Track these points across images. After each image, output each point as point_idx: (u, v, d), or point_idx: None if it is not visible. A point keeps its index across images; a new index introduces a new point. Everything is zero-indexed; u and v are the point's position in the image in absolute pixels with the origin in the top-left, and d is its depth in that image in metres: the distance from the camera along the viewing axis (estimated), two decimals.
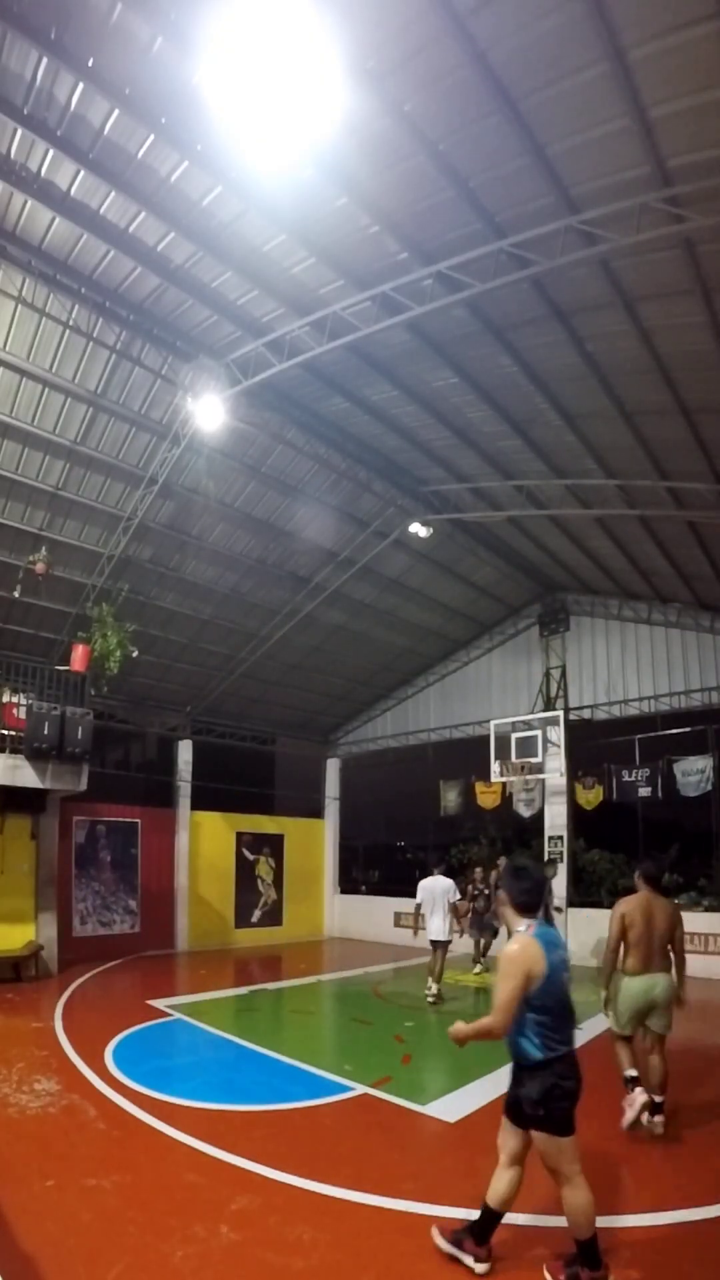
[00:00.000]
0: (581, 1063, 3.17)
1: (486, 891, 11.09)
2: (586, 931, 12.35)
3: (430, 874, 9.44)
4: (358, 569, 12.16)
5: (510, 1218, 3.69)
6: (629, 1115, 4.61)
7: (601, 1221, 3.63)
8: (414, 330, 7.23)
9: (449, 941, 9.26)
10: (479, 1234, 3.23)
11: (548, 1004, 3.02)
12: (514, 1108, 3.18)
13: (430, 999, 8.94)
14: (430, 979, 9.12)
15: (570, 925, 12.75)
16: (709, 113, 4.49)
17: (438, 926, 9.15)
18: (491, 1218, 3.21)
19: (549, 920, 3.17)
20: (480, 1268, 3.17)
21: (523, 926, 3.13)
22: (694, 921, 11.47)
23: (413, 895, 9.48)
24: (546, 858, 13.11)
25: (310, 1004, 9.14)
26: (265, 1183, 4.05)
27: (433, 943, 9.21)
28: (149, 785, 15.61)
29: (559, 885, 13.01)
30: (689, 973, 11.22)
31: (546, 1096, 3.02)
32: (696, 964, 10.99)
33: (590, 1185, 3.13)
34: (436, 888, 9.21)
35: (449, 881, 9.30)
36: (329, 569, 12.21)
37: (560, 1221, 3.65)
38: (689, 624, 12.89)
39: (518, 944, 3.06)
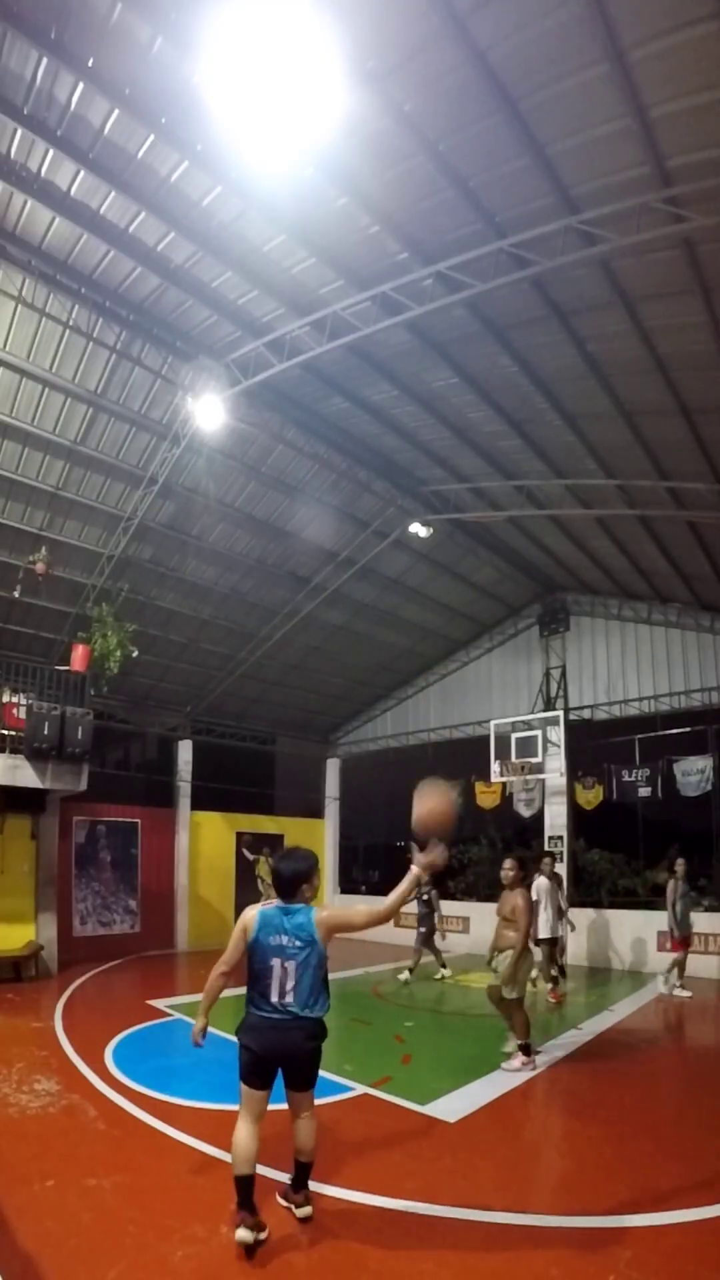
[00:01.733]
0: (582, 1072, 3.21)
1: (424, 896, 10.62)
2: (585, 931, 12.36)
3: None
4: (358, 569, 12.16)
5: (511, 1218, 3.69)
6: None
7: (601, 1221, 3.64)
8: (414, 330, 7.23)
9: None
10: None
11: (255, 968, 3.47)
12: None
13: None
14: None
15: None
16: (709, 113, 4.49)
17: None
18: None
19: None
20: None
21: (274, 902, 3.60)
22: (694, 921, 11.47)
23: (414, 895, 9.43)
24: (545, 851, 13.09)
25: None
26: (265, 1183, 4.04)
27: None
28: (149, 785, 15.60)
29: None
30: (689, 973, 11.28)
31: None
32: (697, 964, 11.00)
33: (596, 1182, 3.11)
34: None
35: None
36: (329, 569, 12.21)
37: (558, 1221, 3.66)
38: (689, 624, 12.90)
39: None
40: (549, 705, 14.10)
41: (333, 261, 6.59)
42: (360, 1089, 5.70)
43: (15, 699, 9.91)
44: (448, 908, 14.75)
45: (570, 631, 14.32)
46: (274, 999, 3.41)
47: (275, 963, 3.41)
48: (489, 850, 14.90)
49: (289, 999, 3.41)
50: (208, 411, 8.15)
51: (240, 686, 14.35)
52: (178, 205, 6.17)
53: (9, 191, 6.18)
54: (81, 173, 5.94)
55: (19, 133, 5.61)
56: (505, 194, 5.56)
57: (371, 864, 18.84)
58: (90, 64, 5.08)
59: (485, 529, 12.24)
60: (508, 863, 6.64)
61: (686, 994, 9.56)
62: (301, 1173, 3.69)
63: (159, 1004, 8.65)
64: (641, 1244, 3.44)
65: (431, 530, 11.19)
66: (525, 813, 14.11)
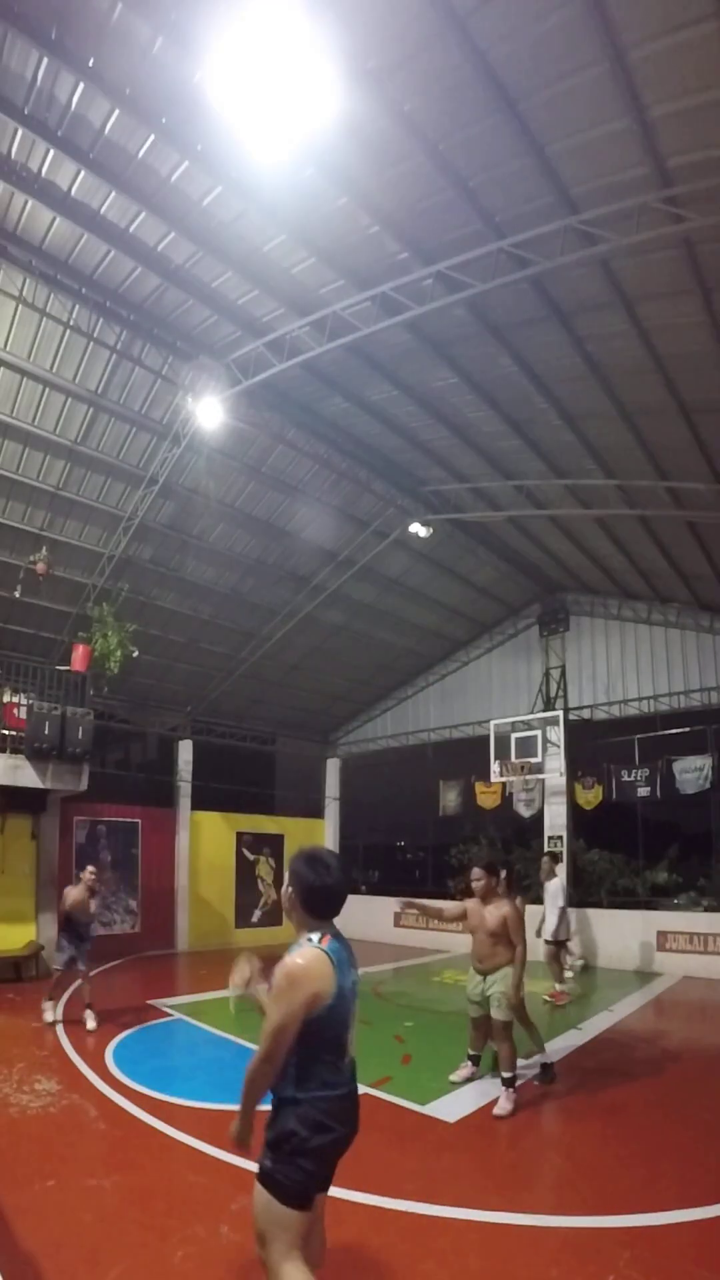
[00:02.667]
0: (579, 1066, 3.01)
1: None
2: (585, 931, 12.37)
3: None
4: (358, 569, 12.16)
5: (511, 1218, 3.69)
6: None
7: (601, 1221, 3.64)
8: (414, 330, 7.23)
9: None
10: None
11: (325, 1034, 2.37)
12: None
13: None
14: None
15: (570, 925, 12.73)
16: (709, 113, 4.49)
17: None
18: None
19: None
20: None
21: (315, 936, 2.44)
22: (694, 921, 11.51)
23: (414, 895, 9.45)
24: (546, 851, 13.09)
25: None
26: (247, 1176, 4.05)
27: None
28: (149, 785, 15.59)
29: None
30: (692, 973, 11.25)
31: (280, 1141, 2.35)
32: (697, 964, 11.02)
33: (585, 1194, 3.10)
34: None
35: None
36: (329, 569, 12.21)
37: (558, 1221, 3.66)
38: (689, 624, 12.90)
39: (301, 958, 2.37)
40: (549, 705, 14.10)
41: (333, 261, 6.59)
42: (360, 1089, 5.67)
43: (16, 699, 9.92)
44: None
45: (570, 631, 14.32)
46: (347, 1059, 2.52)
47: (354, 1010, 2.53)
48: (489, 850, 14.90)
49: (353, 1050, 2.55)
50: (208, 411, 8.15)
51: (240, 686, 14.35)
52: (178, 205, 6.17)
53: (9, 192, 6.18)
54: (82, 173, 5.94)
55: (19, 133, 5.61)
56: (505, 194, 5.56)
57: (372, 864, 18.85)
58: (90, 64, 5.08)
59: (485, 529, 12.24)
60: (475, 871, 5.65)
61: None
62: None
63: (159, 1004, 8.66)
64: (641, 1244, 3.44)
65: (431, 530, 11.19)
66: (525, 813, 14.11)
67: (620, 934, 11.96)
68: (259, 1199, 2.36)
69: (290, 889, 2.52)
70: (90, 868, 8.24)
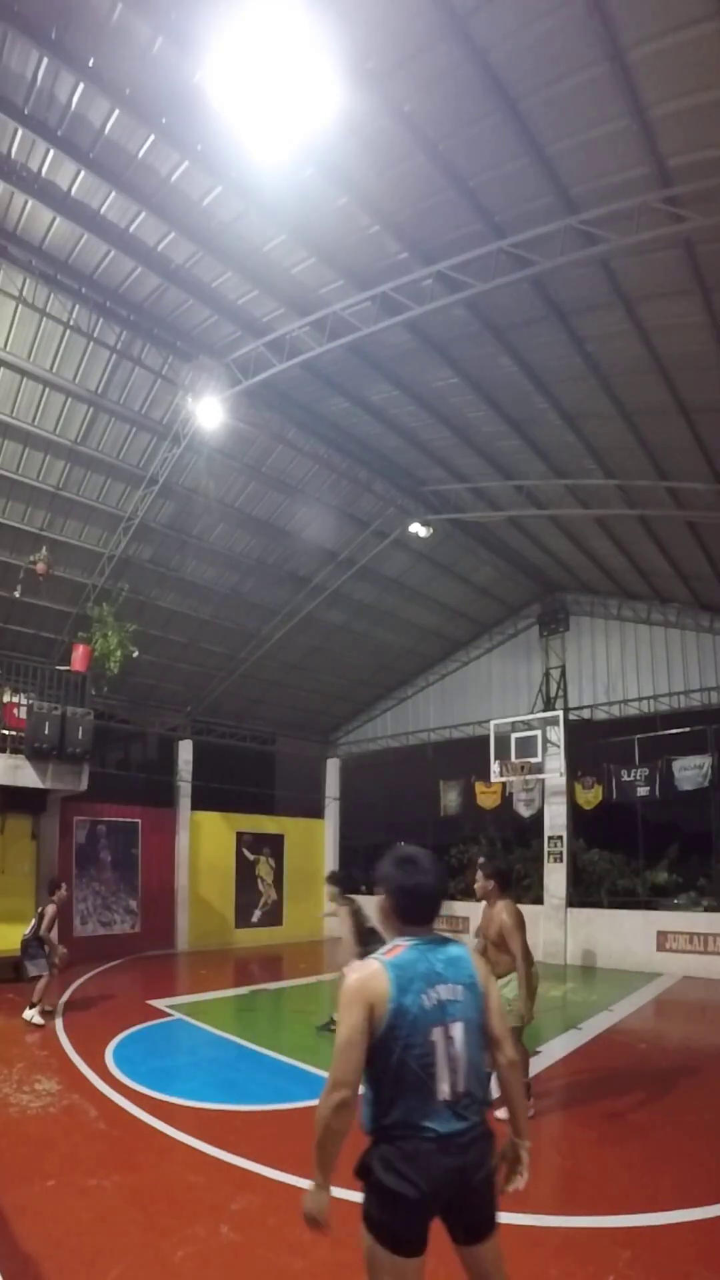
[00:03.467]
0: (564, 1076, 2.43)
1: None
2: (585, 931, 12.37)
3: None
4: (358, 569, 12.16)
5: (511, 1218, 3.69)
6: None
7: (602, 1221, 3.64)
8: (414, 330, 7.23)
9: None
10: None
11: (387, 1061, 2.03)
12: None
13: None
14: None
15: (569, 925, 12.76)
16: (709, 113, 4.49)
17: None
18: None
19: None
20: None
21: (386, 949, 2.16)
22: (694, 921, 11.51)
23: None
24: (546, 854, 13.10)
25: (310, 1004, 9.14)
26: (265, 1183, 4.05)
27: None
28: (149, 785, 15.60)
29: (557, 884, 13.02)
30: (692, 973, 11.24)
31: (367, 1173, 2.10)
32: (697, 964, 11.02)
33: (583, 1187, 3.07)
34: None
35: None
36: (329, 569, 12.21)
37: (558, 1221, 3.66)
38: (688, 624, 12.90)
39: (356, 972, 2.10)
40: (549, 705, 14.10)
41: (333, 261, 6.59)
42: (361, 1089, 5.68)
43: (16, 699, 9.92)
44: (447, 908, 14.78)
45: (570, 631, 14.32)
46: (442, 1096, 2.03)
47: (436, 1035, 2.04)
48: (489, 850, 14.91)
49: (461, 1085, 2.04)
50: (208, 411, 8.15)
51: (240, 686, 14.35)
52: (178, 205, 6.17)
53: (10, 191, 6.18)
54: (82, 173, 5.94)
55: (19, 133, 5.61)
56: (505, 194, 5.56)
57: (372, 864, 18.81)
58: (91, 64, 5.08)
59: (485, 529, 12.24)
60: (479, 872, 5.50)
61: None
62: None
63: (159, 1004, 8.65)
64: (641, 1244, 3.44)
65: (431, 530, 11.19)
66: (525, 813, 14.12)
67: (620, 934, 11.97)
68: (362, 1231, 2.11)
69: (381, 896, 2.23)
70: (64, 885, 8.52)
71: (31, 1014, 7.65)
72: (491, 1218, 2.16)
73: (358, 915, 7.24)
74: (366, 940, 7.23)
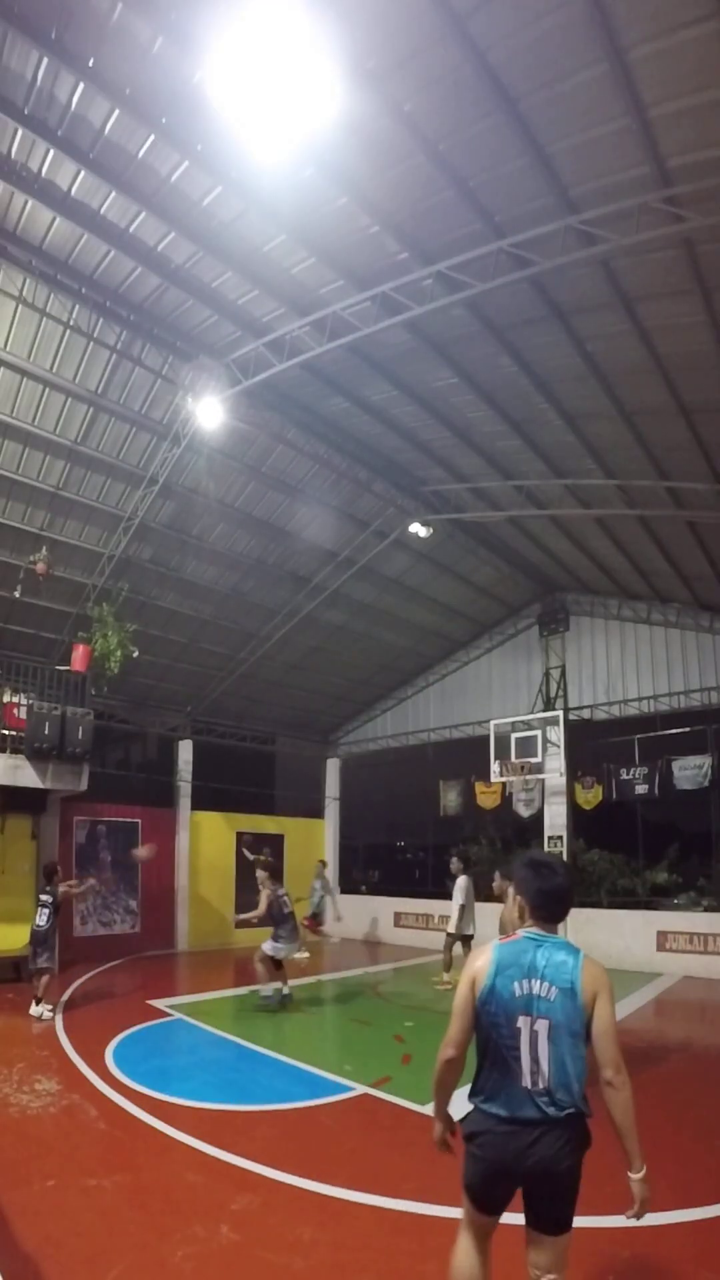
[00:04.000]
0: None
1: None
2: (585, 931, 12.35)
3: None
4: (358, 569, 12.16)
5: (511, 1218, 3.69)
6: None
7: (601, 1221, 3.64)
8: (414, 330, 7.23)
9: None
10: None
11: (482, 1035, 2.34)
12: None
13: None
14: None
15: (570, 925, 12.75)
16: (709, 113, 4.49)
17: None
18: None
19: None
20: None
21: (522, 932, 2.44)
22: (694, 921, 11.51)
23: (414, 895, 9.59)
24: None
25: (310, 1004, 9.14)
26: (265, 1183, 4.05)
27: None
28: (149, 785, 15.60)
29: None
30: (692, 972, 11.23)
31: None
32: (697, 964, 11.02)
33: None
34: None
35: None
36: (329, 569, 12.21)
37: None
38: (688, 624, 12.89)
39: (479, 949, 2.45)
40: (549, 705, 14.09)
41: (333, 261, 6.59)
42: (360, 1089, 5.70)
43: (16, 699, 9.92)
44: (446, 908, 14.77)
45: (570, 631, 14.32)
46: (524, 1082, 2.26)
47: (522, 1024, 2.27)
48: (489, 850, 14.90)
49: (541, 1081, 2.25)
50: (208, 411, 8.15)
51: (240, 686, 14.35)
52: (178, 205, 6.17)
53: (9, 191, 6.19)
54: (82, 173, 5.94)
55: (19, 133, 5.61)
56: (505, 194, 5.56)
57: (372, 864, 18.85)
58: (91, 64, 5.08)
59: (485, 529, 12.24)
60: (496, 874, 6.77)
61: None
62: None
63: (159, 1004, 8.65)
64: (641, 1244, 3.44)
65: (431, 530, 11.19)
66: (525, 813, 14.10)
67: (620, 934, 11.96)
68: None
69: (515, 895, 2.49)
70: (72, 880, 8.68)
71: (40, 1010, 7.78)
72: (558, 1219, 2.33)
73: (273, 901, 8.81)
74: (277, 924, 8.83)
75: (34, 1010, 7.80)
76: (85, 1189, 3.95)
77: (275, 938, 8.80)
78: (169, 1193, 3.95)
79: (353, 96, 4.84)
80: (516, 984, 2.30)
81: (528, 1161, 2.24)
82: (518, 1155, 2.25)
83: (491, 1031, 2.31)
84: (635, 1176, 2.35)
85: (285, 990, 8.79)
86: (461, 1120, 2.44)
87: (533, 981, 2.30)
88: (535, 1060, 2.25)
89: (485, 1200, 2.39)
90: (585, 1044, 2.29)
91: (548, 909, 2.42)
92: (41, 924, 8.09)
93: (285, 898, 9.06)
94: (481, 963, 2.37)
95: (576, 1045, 2.27)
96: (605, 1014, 2.31)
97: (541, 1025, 2.26)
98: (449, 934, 10.25)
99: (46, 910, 8.15)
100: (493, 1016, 2.30)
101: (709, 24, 3.97)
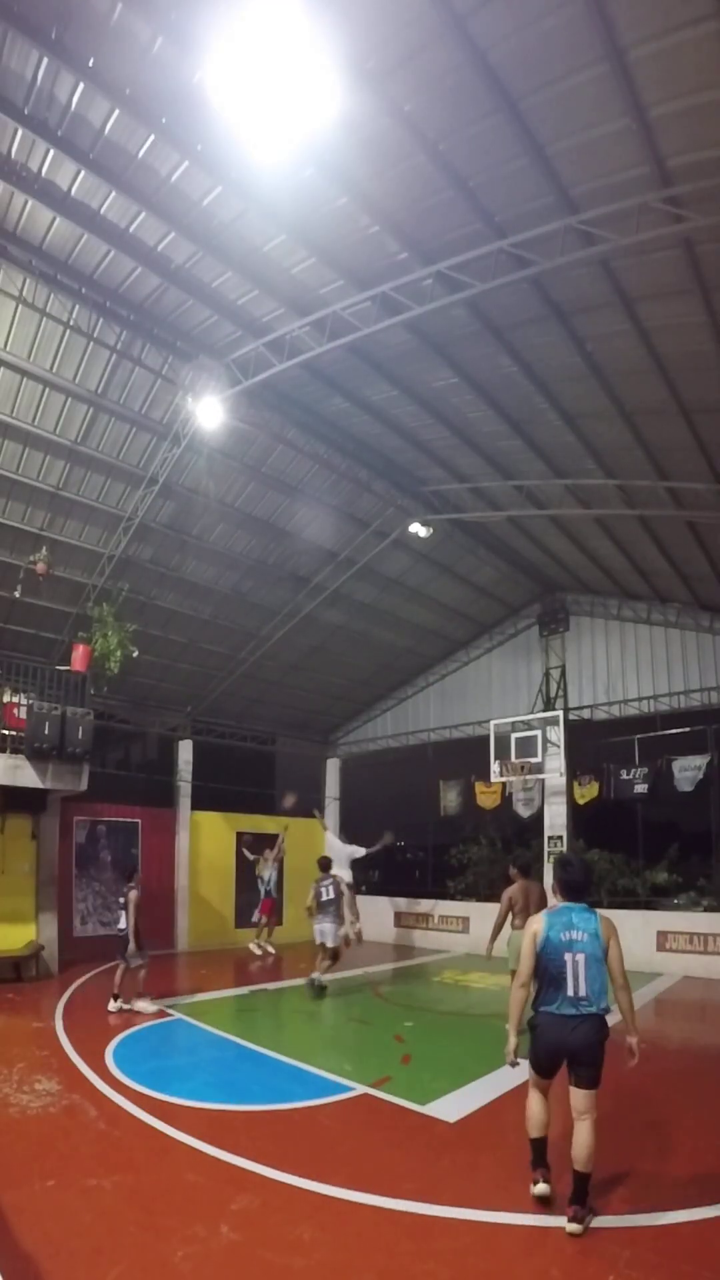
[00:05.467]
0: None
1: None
2: None
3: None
4: (358, 569, 12.16)
5: (511, 1218, 3.70)
6: None
7: (602, 1222, 3.64)
8: (414, 330, 7.23)
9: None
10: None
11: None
12: None
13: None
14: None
15: None
16: (709, 113, 4.49)
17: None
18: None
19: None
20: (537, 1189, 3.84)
21: (559, 905, 3.93)
22: (694, 921, 11.51)
23: (414, 895, 9.68)
24: (546, 854, 13.10)
25: (310, 1004, 9.14)
26: (265, 1183, 4.05)
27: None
28: (149, 785, 15.60)
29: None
30: (692, 973, 11.24)
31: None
32: (697, 963, 11.02)
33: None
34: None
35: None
36: (329, 569, 12.21)
37: (558, 1221, 3.67)
38: (688, 624, 12.89)
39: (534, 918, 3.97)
40: (549, 705, 14.09)
41: (333, 261, 6.59)
42: (360, 1089, 5.70)
43: (16, 699, 9.91)
44: (447, 907, 14.79)
45: (570, 631, 14.32)
46: (569, 992, 3.66)
47: (567, 958, 3.68)
48: (489, 850, 14.91)
49: (583, 991, 3.65)
50: (208, 411, 8.14)
51: (240, 686, 14.35)
52: (178, 205, 6.17)
53: (10, 191, 6.18)
54: (82, 173, 5.94)
55: (19, 133, 5.61)
56: (505, 194, 5.56)
57: (372, 864, 18.82)
58: (91, 64, 5.08)
59: (485, 529, 12.24)
60: (511, 866, 7.92)
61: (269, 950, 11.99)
62: (580, 1184, 3.56)
63: (159, 1004, 8.64)
64: (641, 1244, 3.44)
65: (431, 530, 11.19)
66: (524, 812, 14.11)
67: (620, 934, 11.94)
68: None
69: (553, 882, 4.11)
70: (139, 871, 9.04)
71: (140, 1002, 8.23)
72: (590, 1078, 3.67)
73: (317, 892, 9.54)
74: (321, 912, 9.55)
75: (138, 1004, 8.21)
76: (85, 1189, 3.95)
77: (321, 925, 9.45)
78: (169, 1193, 3.95)
79: (353, 96, 4.84)
80: (563, 934, 3.72)
81: (571, 1041, 3.65)
82: (564, 1037, 3.65)
83: (548, 964, 3.72)
84: (631, 1040, 3.82)
85: (317, 978, 9.26)
86: (530, 1020, 3.81)
87: (571, 932, 3.73)
88: (576, 979, 3.66)
89: (546, 1067, 3.80)
90: (605, 967, 3.69)
91: (570, 891, 3.93)
92: (121, 926, 8.46)
93: (325, 886, 9.50)
94: (538, 925, 3.82)
95: (600, 969, 3.69)
96: (615, 948, 3.79)
97: (580, 958, 3.68)
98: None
99: (122, 913, 8.50)
100: (548, 955, 3.72)
101: (709, 24, 3.97)
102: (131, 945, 8.24)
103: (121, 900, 8.51)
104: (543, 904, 6.86)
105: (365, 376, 8.42)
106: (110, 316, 7.67)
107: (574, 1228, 3.46)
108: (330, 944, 9.37)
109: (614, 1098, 5.66)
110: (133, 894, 8.39)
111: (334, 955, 9.44)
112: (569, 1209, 3.52)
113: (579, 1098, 3.68)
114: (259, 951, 12.16)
